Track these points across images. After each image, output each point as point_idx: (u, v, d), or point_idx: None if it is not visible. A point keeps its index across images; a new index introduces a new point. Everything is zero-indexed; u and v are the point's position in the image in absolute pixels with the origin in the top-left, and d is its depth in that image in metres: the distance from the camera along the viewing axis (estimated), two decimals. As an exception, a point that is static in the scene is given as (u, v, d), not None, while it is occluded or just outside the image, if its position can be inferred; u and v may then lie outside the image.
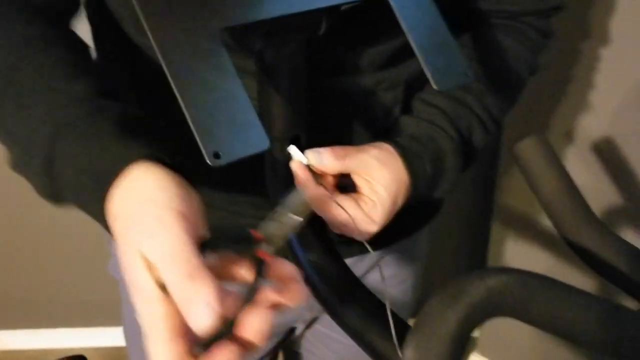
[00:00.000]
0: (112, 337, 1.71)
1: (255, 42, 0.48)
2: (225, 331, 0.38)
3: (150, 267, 0.38)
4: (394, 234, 0.74)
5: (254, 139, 0.41)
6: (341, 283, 0.49)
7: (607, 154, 1.16)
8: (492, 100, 0.66)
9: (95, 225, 0.46)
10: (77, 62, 0.51)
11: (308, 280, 0.50)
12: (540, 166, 0.59)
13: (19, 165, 0.49)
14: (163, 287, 0.38)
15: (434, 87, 0.48)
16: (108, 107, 0.48)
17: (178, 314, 0.38)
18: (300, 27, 0.49)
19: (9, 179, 0.57)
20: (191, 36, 0.41)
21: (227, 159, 0.39)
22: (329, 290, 0.49)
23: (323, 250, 0.51)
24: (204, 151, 0.39)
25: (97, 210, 0.44)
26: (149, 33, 0.40)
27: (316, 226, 0.53)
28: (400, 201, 0.56)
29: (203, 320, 0.37)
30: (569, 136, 1.21)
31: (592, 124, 1.17)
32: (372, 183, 0.55)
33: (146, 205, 0.40)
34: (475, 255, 1.60)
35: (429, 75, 0.48)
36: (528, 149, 0.60)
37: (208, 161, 0.39)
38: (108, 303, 1.26)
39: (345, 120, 0.62)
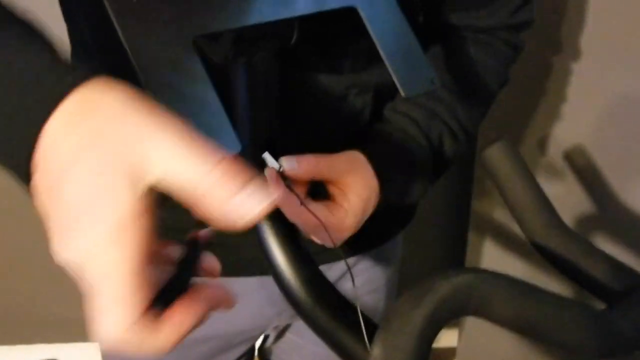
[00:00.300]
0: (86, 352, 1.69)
1: (228, 50, 0.49)
2: (181, 287, 0.35)
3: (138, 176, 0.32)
4: (366, 240, 0.75)
5: (225, 143, 0.42)
6: (312, 284, 0.50)
7: (578, 163, 1.19)
8: (463, 111, 0.68)
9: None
10: None
11: (279, 280, 0.51)
12: (508, 170, 0.61)
13: None
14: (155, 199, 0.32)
15: (402, 93, 0.50)
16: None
17: (150, 246, 0.32)
18: (272, 36, 0.51)
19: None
20: (164, 43, 0.42)
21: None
22: (299, 290, 0.50)
23: (294, 251, 0.52)
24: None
25: (30, 132, 0.33)
26: (123, 40, 0.41)
27: (288, 229, 0.54)
28: (370, 208, 0.58)
29: (265, 200, 0.32)
30: (540, 145, 1.23)
31: (563, 134, 1.20)
32: (344, 190, 0.56)
33: (134, 104, 0.33)
34: (452, 263, 1.61)
35: (396, 81, 0.50)
36: (495, 153, 0.61)
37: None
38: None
39: (316, 124, 0.64)
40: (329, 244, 0.55)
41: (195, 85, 0.42)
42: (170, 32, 0.43)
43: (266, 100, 0.54)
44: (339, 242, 0.55)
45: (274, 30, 0.50)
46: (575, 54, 1.12)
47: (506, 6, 0.69)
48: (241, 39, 0.49)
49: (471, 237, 1.48)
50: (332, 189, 0.57)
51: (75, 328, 1.63)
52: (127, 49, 0.41)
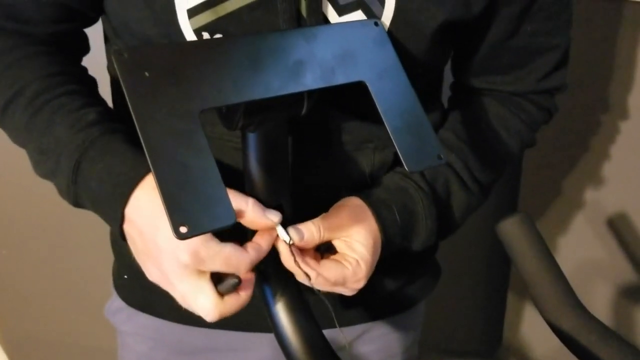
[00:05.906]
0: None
1: (238, 119, 0.51)
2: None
3: None
4: (382, 306, 0.74)
5: (221, 214, 0.43)
6: (311, 346, 0.51)
7: (621, 227, 1.14)
8: (475, 162, 0.67)
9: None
10: (90, 93, 0.63)
11: (279, 339, 0.53)
12: (523, 245, 0.60)
13: (45, 172, 0.59)
14: None
15: (406, 167, 0.50)
16: (116, 128, 0.58)
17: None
18: (282, 107, 0.52)
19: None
20: (170, 117, 0.44)
21: (192, 232, 0.41)
22: (298, 351, 0.50)
23: (299, 311, 0.54)
24: (170, 223, 0.41)
25: (114, 213, 0.54)
26: (132, 111, 0.44)
27: (294, 289, 0.55)
28: (378, 251, 0.58)
29: None
30: (583, 208, 1.20)
31: (607, 197, 1.16)
32: (350, 241, 0.57)
33: None
34: (490, 326, 1.56)
35: (401, 155, 0.50)
36: (511, 227, 0.60)
37: (174, 233, 0.41)
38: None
39: (328, 179, 0.65)
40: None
41: (195, 156, 0.44)
42: (177, 105, 0.45)
43: (276, 167, 0.55)
44: (355, 292, 0.58)
45: (284, 101, 0.51)
46: (623, 115, 1.09)
47: (533, 73, 0.68)
48: (251, 109, 0.50)
49: (510, 299, 1.44)
50: (338, 243, 0.57)
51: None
52: (135, 119, 0.43)
